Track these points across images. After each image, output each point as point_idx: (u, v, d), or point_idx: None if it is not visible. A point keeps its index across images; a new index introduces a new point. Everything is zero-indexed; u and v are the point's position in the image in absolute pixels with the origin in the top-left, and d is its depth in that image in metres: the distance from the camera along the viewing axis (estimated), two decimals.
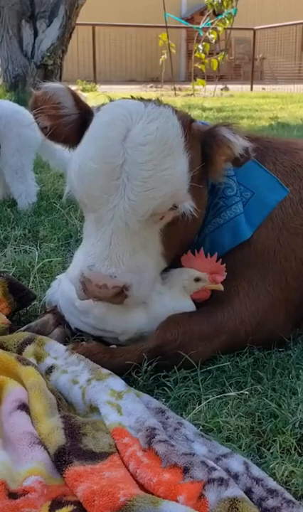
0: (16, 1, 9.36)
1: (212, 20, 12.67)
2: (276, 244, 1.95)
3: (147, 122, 1.63)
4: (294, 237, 1.98)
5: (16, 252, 2.71)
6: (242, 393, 1.62)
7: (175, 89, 13.26)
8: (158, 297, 1.79)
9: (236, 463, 1.29)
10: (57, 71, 9.83)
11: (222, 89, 14.04)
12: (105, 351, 1.75)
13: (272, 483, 1.23)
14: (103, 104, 1.76)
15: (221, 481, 1.18)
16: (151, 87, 15.10)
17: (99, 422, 1.46)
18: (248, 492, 1.22)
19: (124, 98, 1.78)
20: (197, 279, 1.83)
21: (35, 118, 1.79)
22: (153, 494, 1.22)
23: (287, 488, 1.31)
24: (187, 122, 1.73)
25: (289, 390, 1.65)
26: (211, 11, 12.52)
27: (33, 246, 2.78)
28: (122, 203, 1.62)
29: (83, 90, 12.90)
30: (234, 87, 14.94)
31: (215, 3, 11.97)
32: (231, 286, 1.86)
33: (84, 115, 1.77)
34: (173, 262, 1.85)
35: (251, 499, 1.20)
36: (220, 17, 12.32)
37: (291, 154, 2.14)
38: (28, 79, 9.60)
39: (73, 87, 11.35)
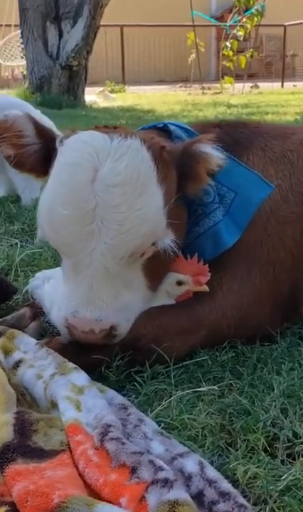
0: (40, 2, 9.41)
1: (239, 17, 12.51)
2: (263, 234, 1.84)
3: (115, 160, 1.52)
4: (283, 226, 1.86)
5: (11, 246, 2.66)
6: (214, 389, 1.51)
7: (203, 88, 13.15)
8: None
9: (191, 463, 1.20)
10: (83, 71, 9.85)
11: (252, 87, 13.86)
12: (77, 346, 1.67)
13: (225, 486, 1.13)
14: (66, 135, 1.63)
15: (165, 483, 1.08)
16: (181, 86, 15.02)
17: (55, 418, 1.37)
18: (200, 495, 1.12)
19: (89, 129, 1.66)
20: (179, 283, 1.73)
21: None
22: (99, 495, 1.13)
23: (250, 492, 1.20)
24: (158, 151, 1.61)
25: (268, 386, 1.54)
26: (239, 7, 12.35)
27: (28, 240, 2.73)
28: (99, 247, 1.53)
29: (112, 91, 12.91)
30: (265, 85, 14.73)
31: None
32: (214, 279, 1.75)
33: (48, 144, 1.67)
34: None
35: (202, 502, 1.10)
36: (247, 13, 12.15)
37: (282, 139, 2.03)
38: (54, 80, 9.64)
39: (101, 88, 11.40)
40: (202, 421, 1.40)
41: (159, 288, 1.74)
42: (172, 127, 1.88)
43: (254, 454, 1.30)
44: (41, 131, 1.70)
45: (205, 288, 1.72)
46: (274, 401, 1.45)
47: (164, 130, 1.90)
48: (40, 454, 1.24)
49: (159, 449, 1.26)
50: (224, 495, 1.10)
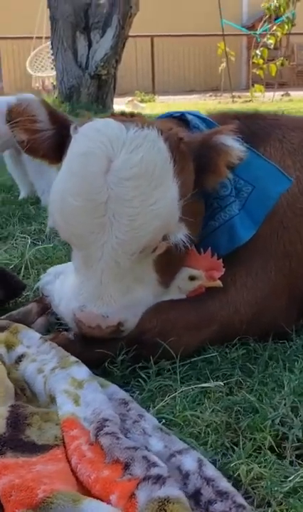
0: (70, 12, 9.49)
1: (270, 25, 12.43)
2: (279, 227, 1.76)
3: (130, 151, 1.46)
4: (300, 219, 1.79)
5: (27, 245, 2.63)
6: (220, 385, 1.43)
7: (233, 96, 13.07)
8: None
9: (190, 460, 1.13)
10: (111, 81, 9.87)
11: (282, 95, 13.73)
12: (82, 342, 1.61)
13: (224, 485, 1.06)
14: (81, 123, 1.58)
15: (157, 479, 1.01)
16: (210, 96, 14.97)
17: (52, 412, 1.32)
18: (197, 494, 1.05)
19: (103, 117, 1.60)
20: (192, 278, 1.65)
21: (12, 131, 1.66)
22: (90, 492, 1.07)
23: (254, 493, 1.12)
24: (175, 142, 1.54)
25: (278, 384, 1.45)
26: (269, 15, 12.29)
27: (44, 240, 2.70)
28: (111, 241, 1.47)
29: (141, 101, 12.93)
30: (296, 94, 14.56)
31: (272, 7, 11.75)
32: (228, 274, 1.67)
33: (61, 131, 1.61)
34: None
35: (198, 502, 1.04)
36: (278, 21, 12.06)
37: (300, 130, 1.96)
38: (83, 89, 9.69)
39: (130, 98, 11.41)
40: (206, 418, 1.32)
41: (172, 283, 1.68)
42: (190, 117, 1.82)
43: (260, 453, 1.22)
44: (55, 116, 1.64)
45: (219, 283, 1.64)
46: (284, 399, 1.37)
47: (182, 120, 1.84)
48: (32, 449, 1.18)
49: (158, 445, 1.20)
50: (222, 494, 1.03)
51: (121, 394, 1.40)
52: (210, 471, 1.09)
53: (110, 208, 1.46)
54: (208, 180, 1.62)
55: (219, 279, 1.64)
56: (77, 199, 1.47)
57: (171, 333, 1.57)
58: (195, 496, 1.04)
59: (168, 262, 1.60)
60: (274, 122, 1.99)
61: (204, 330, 1.63)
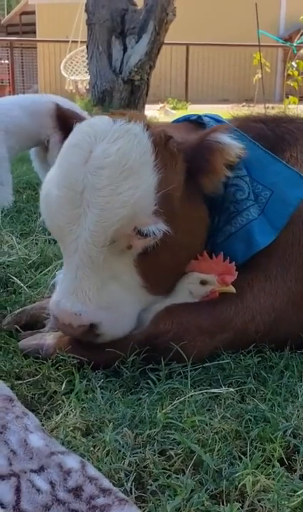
0: (107, 17, 9.55)
1: None
2: (301, 234, 1.70)
3: (110, 142, 1.47)
4: None
5: (46, 241, 2.62)
6: (232, 392, 1.38)
7: (266, 108, 12.99)
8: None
9: (72, 460, 1.12)
10: (144, 86, 9.86)
11: None
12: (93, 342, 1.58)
13: (106, 483, 1.07)
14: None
15: None
16: (243, 106, 14.91)
17: None
18: (78, 489, 1.06)
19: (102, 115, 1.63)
20: (203, 282, 1.60)
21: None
22: None
23: (260, 506, 1.07)
24: (161, 139, 1.52)
25: (293, 395, 1.40)
26: None
27: None
28: (84, 233, 1.47)
29: (173, 108, 12.95)
30: None
31: None
32: (245, 279, 1.62)
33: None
34: None
35: (79, 496, 1.04)
36: None
37: None
38: (115, 94, 9.71)
39: (162, 105, 11.39)
40: (215, 425, 1.27)
41: (181, 287, 1.63)
42: (206, 119, 1.78)
43: (268, 464, 1.16)
44: (63, 121, 1.71)
45: (232, 289, 1.59)
46: (298, 410, 1.31)
47: (198, 123, 1.80)
48: None
49: (38, 442, 1.16)
50: (104, 491, 1.05)
51: (7, 391, 1.36)
52: (92, 471, 1.10)
53: (85, 198, 1.46)
54: (206, 180, 1.58)
55: (233, 284, 1.59)
56: (59, 189, 1.49)
57: (184, 337, 1.53)
58: (75, 491, 1.05)
59: (154, 267, 1.54)
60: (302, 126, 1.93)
61: (218, 336, 1.58)
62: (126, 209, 1.43)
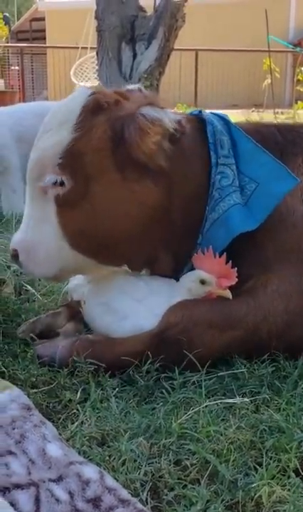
0: (117, 24, 9.58)
1: None
2: None
3: (63, 100, 1.71)
4: None
5: None
6: (246, 402, 1.39)
7: (276, 113, 12.99)
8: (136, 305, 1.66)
9: (90, 470, 1.14)
10: (154, 92, 9.91)
11: None
12: (108, 341, 1.62)
13: (125, 494, 1.09)
14: None
15: None
16: (253, 111, 14.92)
17: None
18: (97, 500, 1.07)
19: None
20: (203, 282, 1.61)
21: None
22: None
23: None
24: (95, 105, 1.61)
25: None
26: None
27: None
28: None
29: None
30: None
31: None
32: (259, 279, 1.63)
33: None
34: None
35: (98, 507, 1.05)
36: None
37: None
38: None
39: (171, 110, 11.52)
40: (230, 435, 1.28)
41: (182, 283, 1.65)
42: (206, 113, 1.80)
43: (284, 475, 1.17)
44: None
45: (228, 294, 1.59)
46: None
47: (199, 118, 1.81)
48: None
49: (56, 452, 1.18)
50: (123, 501, 1.06)
51: (24, 399, 1.38)
52: (111, 481, 1.11)
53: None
54: (135, 152, 1.58)
55: (243, 286, 1.60)
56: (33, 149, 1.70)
57: (194, 331, 1.55)
58: (94, 501, 1.06)
59: (71, 222, 1.63)
60: None
61: (227, 332, 1.58)
62: (37, 153, 1.65)
